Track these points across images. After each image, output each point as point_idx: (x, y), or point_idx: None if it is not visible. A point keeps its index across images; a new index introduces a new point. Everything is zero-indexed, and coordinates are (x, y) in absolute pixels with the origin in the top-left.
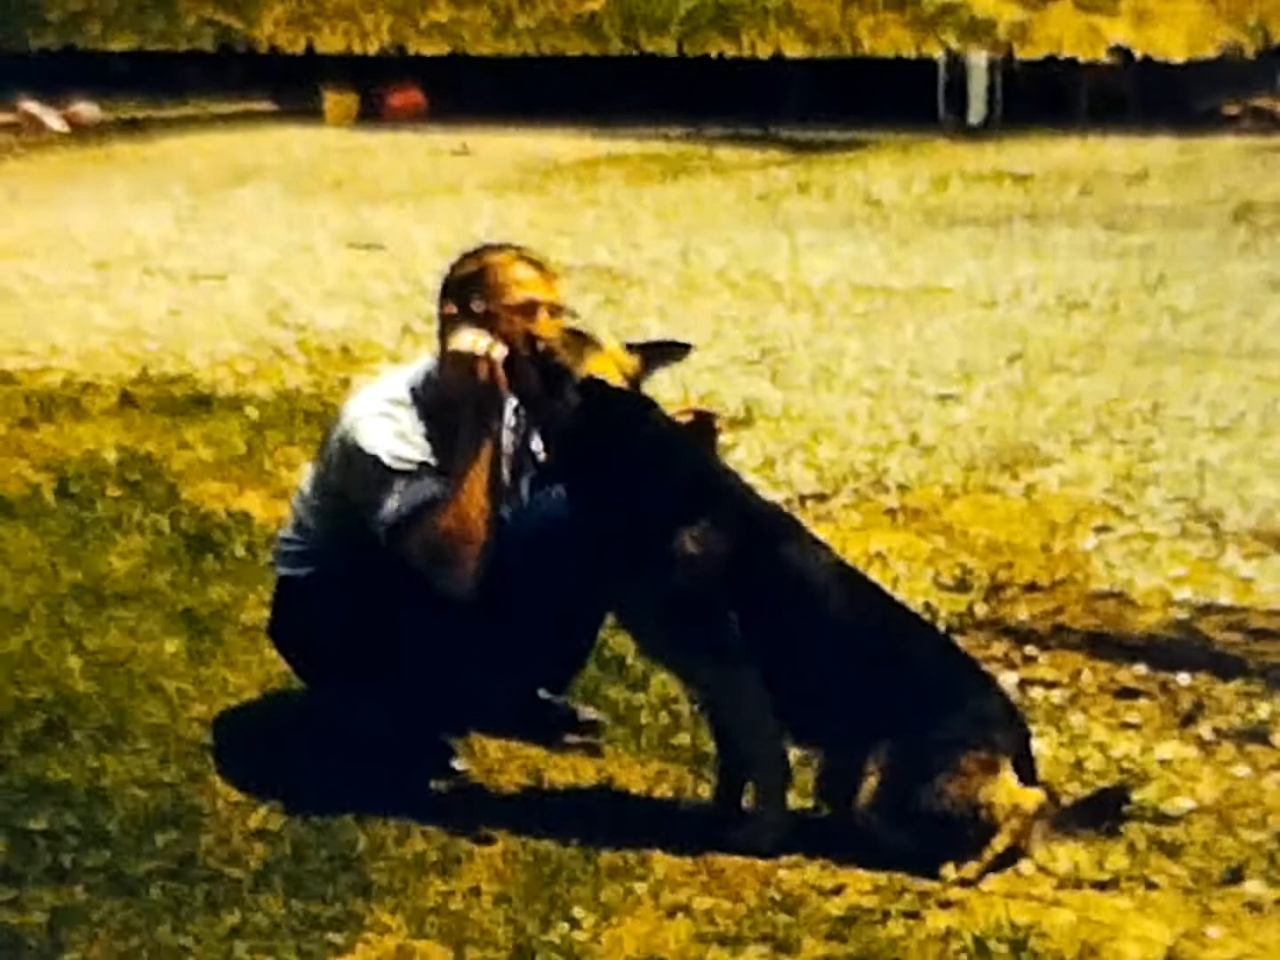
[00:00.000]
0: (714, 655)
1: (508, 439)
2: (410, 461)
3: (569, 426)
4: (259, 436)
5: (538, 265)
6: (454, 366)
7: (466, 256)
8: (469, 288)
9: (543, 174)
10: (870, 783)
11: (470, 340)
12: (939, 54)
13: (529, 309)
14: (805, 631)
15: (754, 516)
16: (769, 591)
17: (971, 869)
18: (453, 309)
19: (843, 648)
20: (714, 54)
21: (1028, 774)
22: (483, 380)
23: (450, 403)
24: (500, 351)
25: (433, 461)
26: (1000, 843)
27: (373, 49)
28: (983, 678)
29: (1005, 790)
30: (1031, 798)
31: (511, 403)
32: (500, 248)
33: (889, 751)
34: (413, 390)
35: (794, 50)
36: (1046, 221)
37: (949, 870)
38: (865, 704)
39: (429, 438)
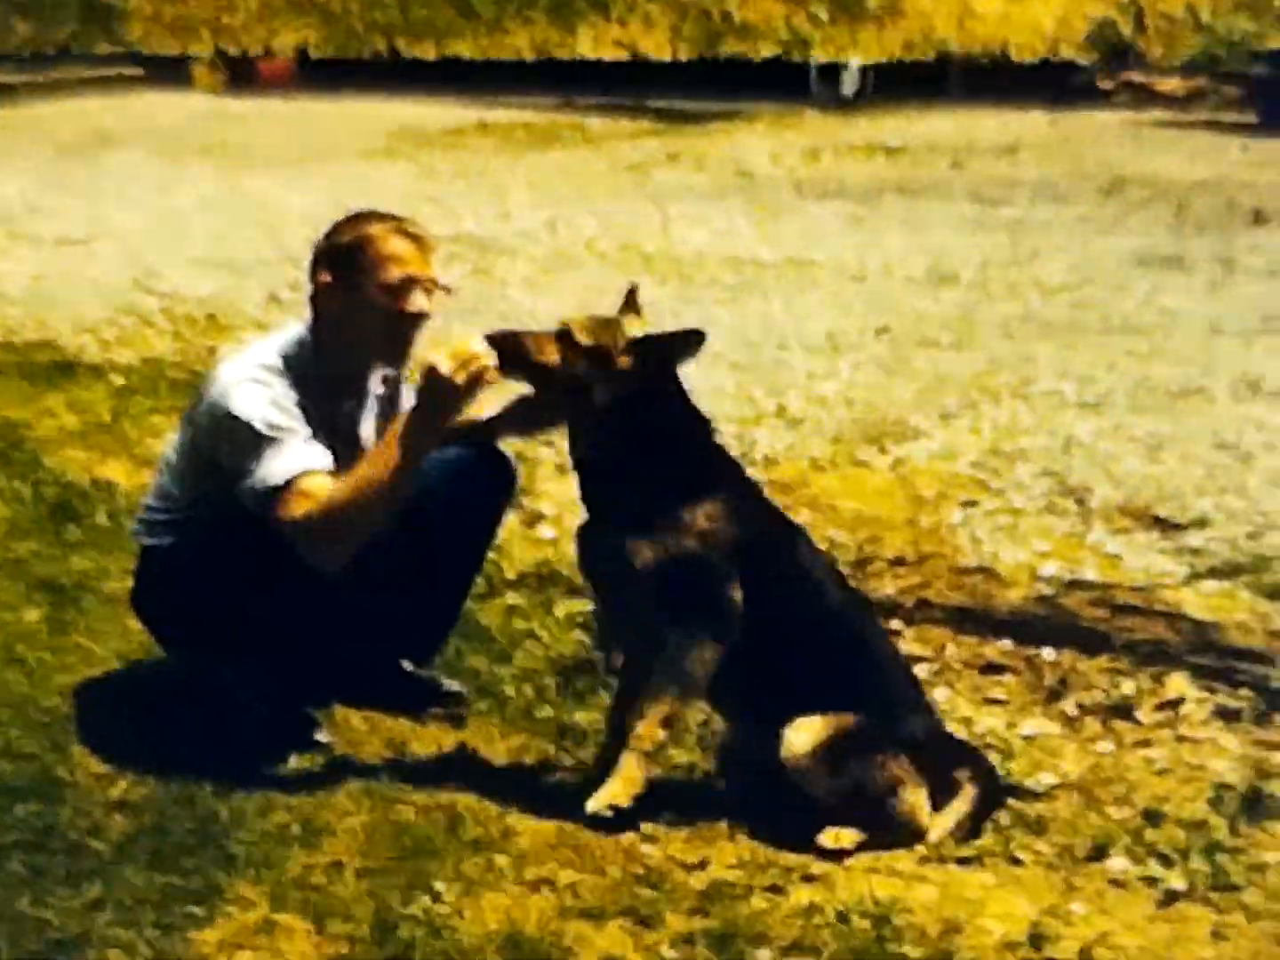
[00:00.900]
0: (704, 622)
1: (376, 407)
2: (283, 429)
3: (606, 402)
4: (124, 404)
5: (416, 238)
6: (432, 375)
7: (344, 224)
8: (345, 258)
9: (413, 142)
10: (815, 737)
11: (464, 353)
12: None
13: (405, 286)
14: (799, 619)
15: (766, 510)
16: (772, 576)
17: (848, 838)
18: (327, 277)
19: (828, 639)
20: (583, 29)
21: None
22: (463, 383)
23: (330, 373)
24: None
25: (306, 430)
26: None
27: (238, 20)
28: (929, 706)
29: (921, 806)
30: (934, 828)
31: (379, 372)
32: (379, 217)
33: (847, 723)
34: (285, 358)
35: (662, 25)
36: (917, 195)
37: (827, 837)
38: (828, 690)
39: (301, 405)
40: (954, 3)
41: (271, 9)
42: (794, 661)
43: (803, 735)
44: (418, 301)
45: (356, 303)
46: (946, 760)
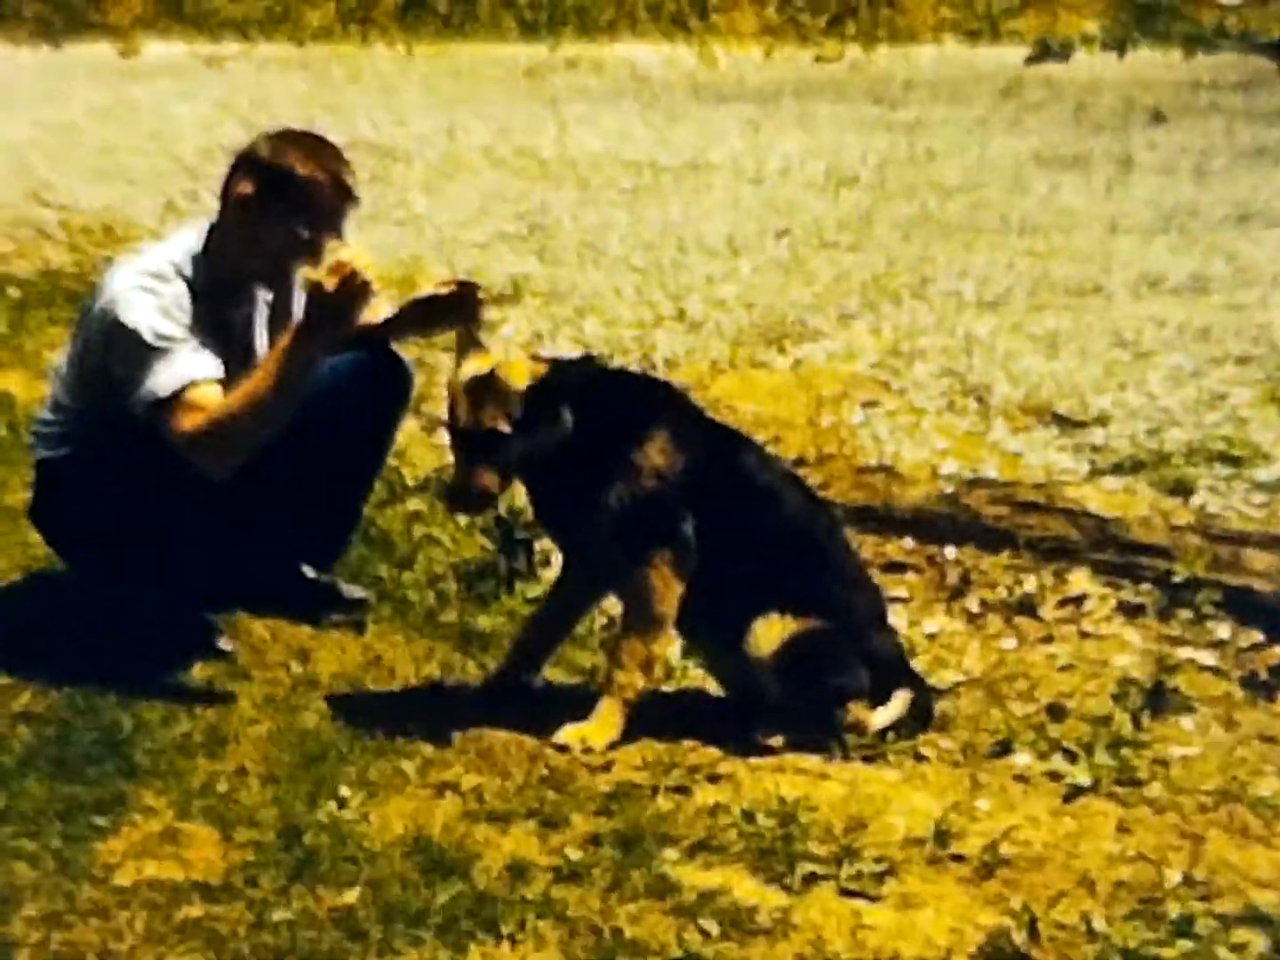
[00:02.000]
0: (666, 557)
1: (267, 316)
2: (172, 339)
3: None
4: (20, 317)
5: (346, 193)
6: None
7: (283, 142)
8: (273, 183)
9: (307, 46)
10: (780, 635)
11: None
12: None
13: (315, 244)
14: (755, 532)
15: (710, 429)
16: (724, 492)
17: (777, 739)
18: (248, 189)
19: (787, 549)
20: None
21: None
22: (347, 298)
23: (223, 281)
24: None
25: (194, 340)
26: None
27: None
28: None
29: (865, 722)
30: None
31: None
32: (319, 154)
33: (814, 628)
34: (174, 265)
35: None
36: (815, 97)
37: (760, 736)
38: (790, 601)
39: (191, 313)
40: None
41: None
42: (754, 576)
43: (769, 632)
44: (319, 260)
45: (265, 229)
46: (894, 682)
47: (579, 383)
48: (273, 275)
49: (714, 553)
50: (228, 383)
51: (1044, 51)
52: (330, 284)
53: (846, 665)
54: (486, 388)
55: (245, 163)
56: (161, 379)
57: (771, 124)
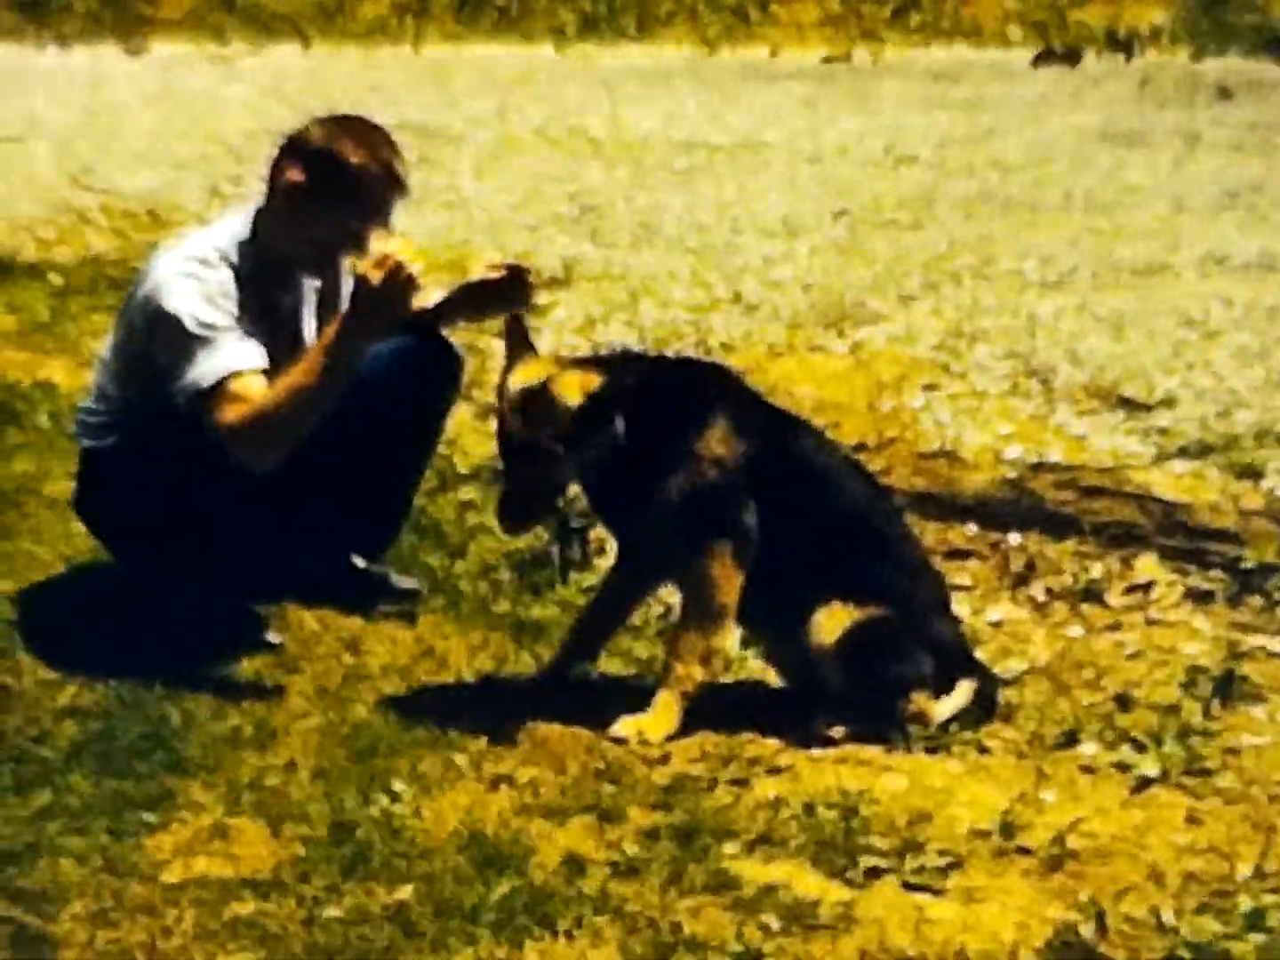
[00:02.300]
0: (727, 547)
1: (315, 301)
2: (215, 327)
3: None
4: (63, 304)
5: (398, 184)
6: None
7: (336, 128)
8: (323, 171)
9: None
10: (842, 624)
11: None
12: None
13: (363, 236)
14: (814, 518)
15: (769, 413)
16: (783, 479)
17: (839, 730)
18: (298, 177)
19: (848, 536)
20: None
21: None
22: (394, 291)
23: (269, 267)
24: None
25: (238, 329)
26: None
27: None
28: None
29: (929, 713)
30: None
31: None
32: (373, 143)
33: (877, 616)
34: (220, 251)
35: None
36: (872, 74)
37: (821, 726)
38: (851, 588)
39: (237, 300)
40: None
41: None
42: (815, 563)
43: (831, 621)
44: (368, 250)
45: (314, 218)
46: (958, 671)
47: (634, 384)
48: (320, 264)
49: (774, 540)
50: (273, 372)
51: (1050, 53)
52: (376, 277)
53: (909, 654)
54: (538, 402)
55: (295, 148)
56: (204, 368)
57: (828, 101)
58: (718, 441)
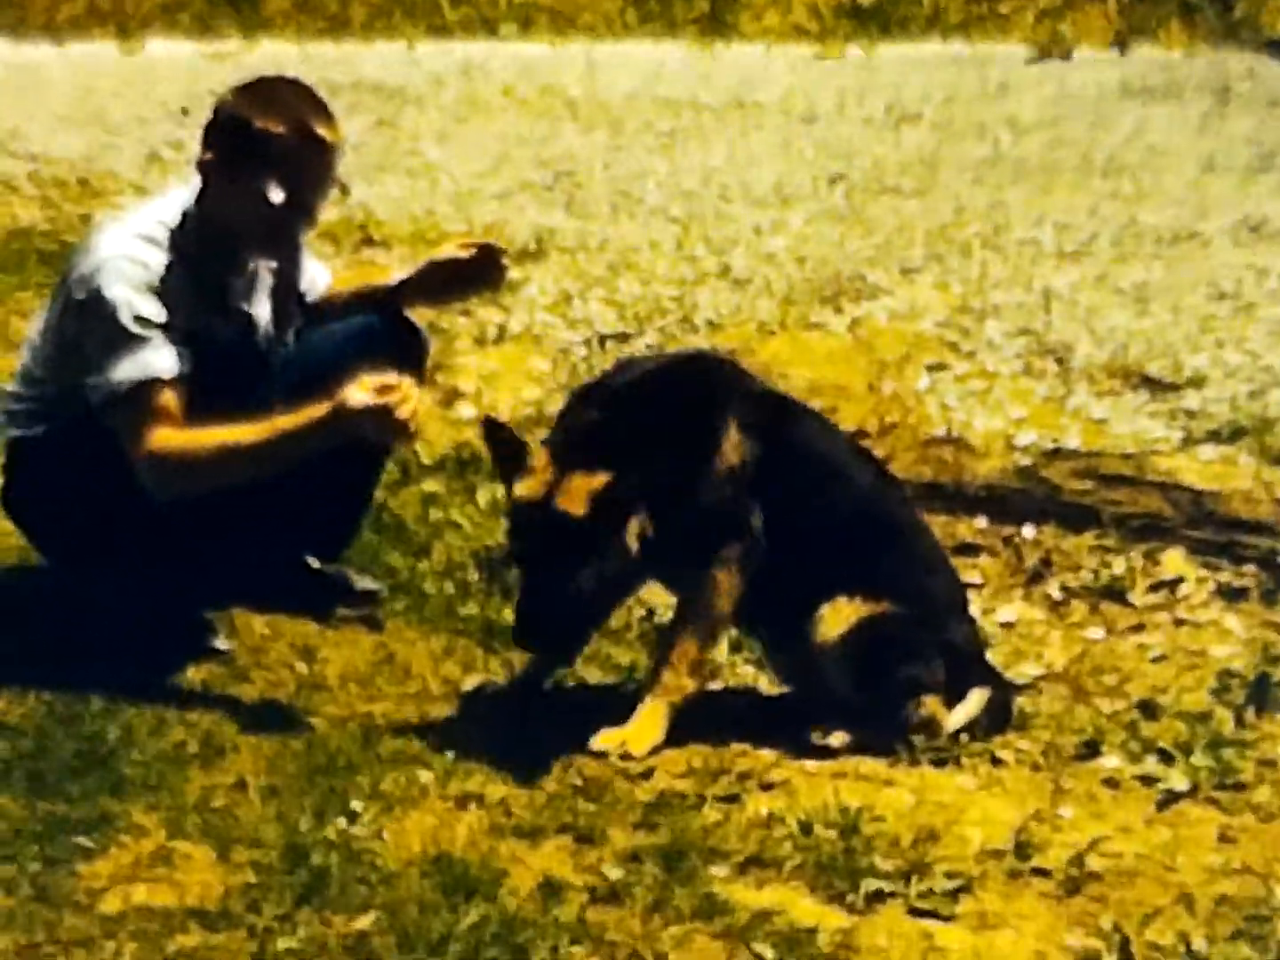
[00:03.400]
0: (732, 554)
1: (269, 284)
2: (149, 323)
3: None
4: None
5: (318, 141)
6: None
7: (242, 95)
8: (231, 142)
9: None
10: (848, 620)
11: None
12: None
13: (290, 202)
14: (820, 510)
15: (770, 403)
16: (788, 473)
17: (839, 738)
18: (209, 155)
19: (856, 529)
20: None
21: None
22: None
23: (214, 246)
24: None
25: (170, 327)
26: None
27: None
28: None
29: (939, 719)
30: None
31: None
32: (280, 100)
33: (886, 612)
34: (166, 226)
35: None
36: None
37: (816, 733)
38: (860, 586)
39: (185, 281)
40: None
41: None
42: (820, 556)
43: (836, 617)
44: (313, 222)
45: (235, 193)
46: (971, 677)
47: (637, 439)
48: (269, 242)
49: (776, 534)
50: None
51: (1046, 51)
52: (357, 401)
53: (922, 655)
54: (543, 517)
55: (210, 122)
56: (125, 368)
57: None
58: (731, 449)
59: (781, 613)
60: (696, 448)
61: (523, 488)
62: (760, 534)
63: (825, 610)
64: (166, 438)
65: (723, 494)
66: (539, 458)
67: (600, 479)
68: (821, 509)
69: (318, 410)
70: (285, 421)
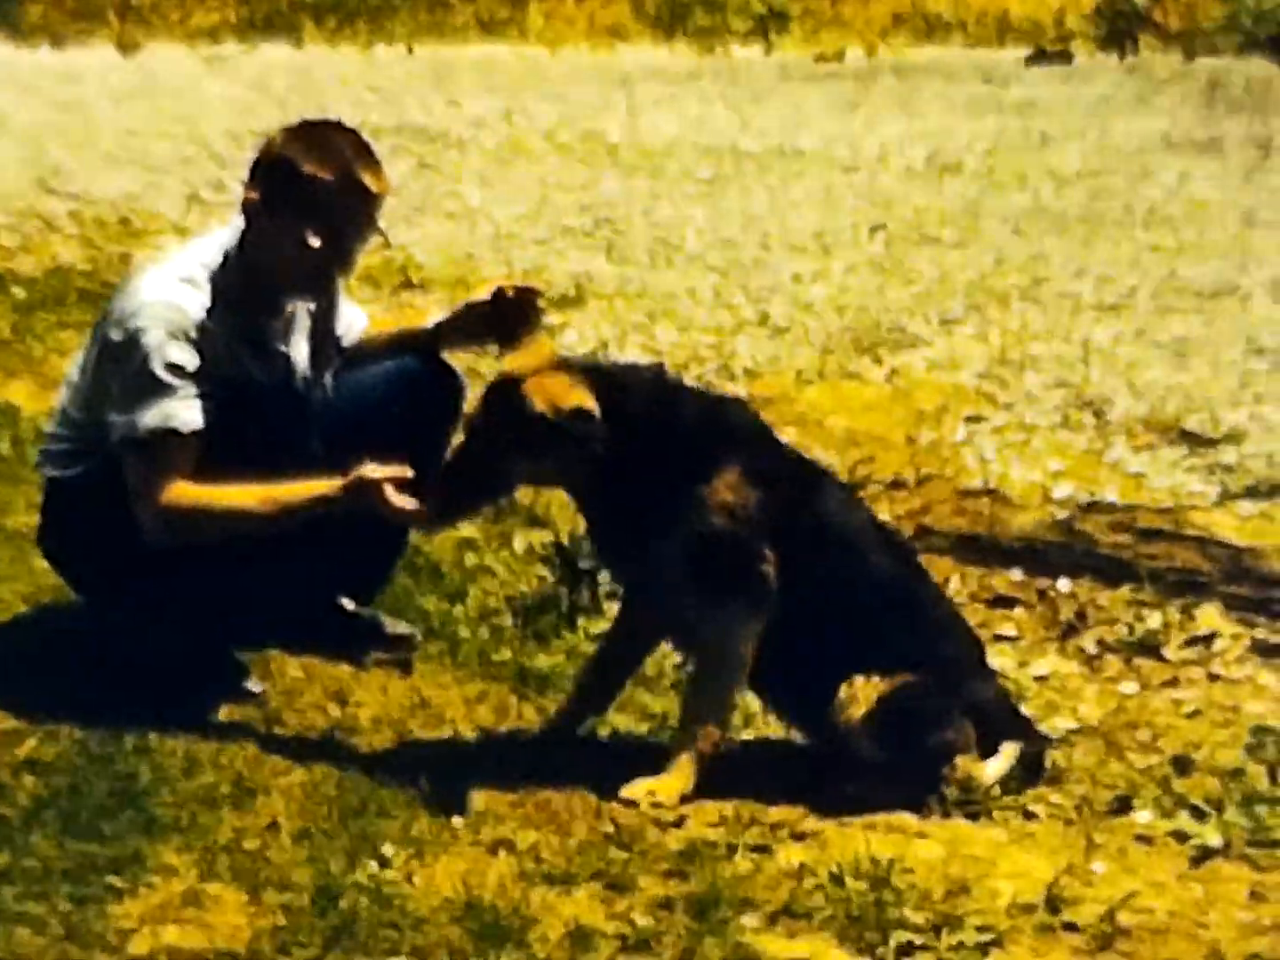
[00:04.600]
0: (741, 598)
1: (307, 327)
2: (180, 371)
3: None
4: (26, 319)
5: (362, 190)
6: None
7: (289, 136)
8: (276, 184)
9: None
10: (870, 697)
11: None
12: None
13: (331, 244)
14: (838, 577)
15: (790, 464)
16: (803, 533)
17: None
18: (254, 195)
19: (873, 596)
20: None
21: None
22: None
23: (255, 288)
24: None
25: (200, 378)
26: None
27: None
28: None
29: (977, 777)
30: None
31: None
32: (328, 144)
33: (907, 684)
34: (207, 268)
35: None
36: (917, 74)
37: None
38: (877, 653)
39: (225, 324)
40: None
41: None
42: (837, 633)
43: (858, 695)
44: (350, 268)
45: (277, 237)
46: (1002, 730)
47: (638, 411)
48: (302, 285)
49: (791, 609)
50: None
51: (1042, 53)
52: (370, 478)
53: (949, 719)
54: (504, 399)
55: (256, 163)
56: (148, 415)
57: (868, 105)
58: (727, 487)
59: (800, 689)
60: (689, 467)
61: (509, 362)
62: (769, 577)
63: (845, 691)
64: (178, 492)
65: (716, 529)
66: (542, 344)
67: (579, 395)
68: (834, 580)
69: (329, 487)
70: (294, 495)
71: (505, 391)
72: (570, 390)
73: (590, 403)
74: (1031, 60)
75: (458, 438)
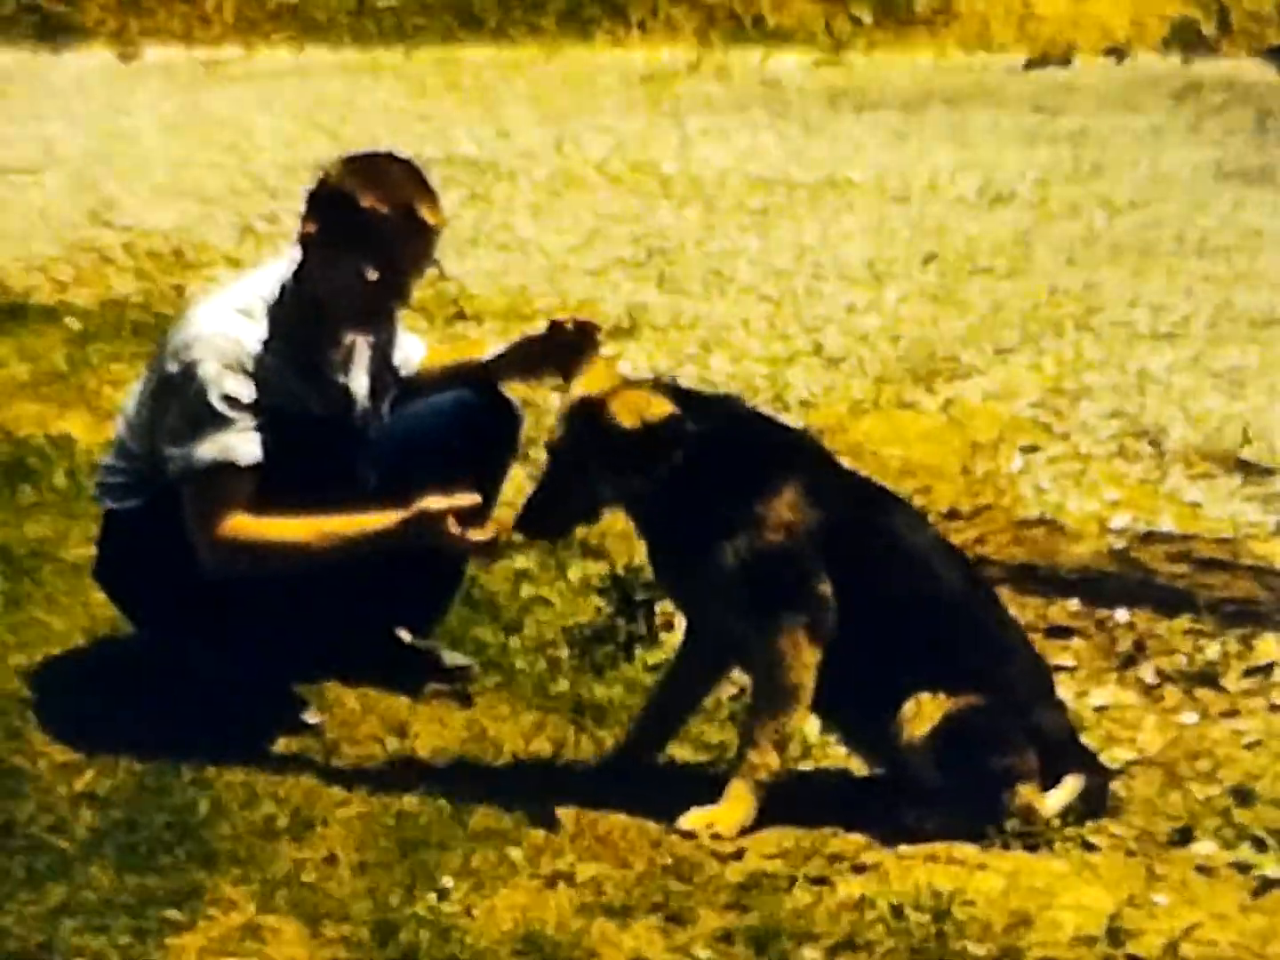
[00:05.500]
0: (801, 622)
1: (366, 356)
2: (237, 404)
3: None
4: (81, 351)
5: (419, 223)
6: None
7: (348, 168)
8: (333, 217)
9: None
10: (934, 717)
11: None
12: None
13: (388, 279)
14: (903, 600)
15: (853, 486)
16: (868, 555)
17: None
18: (311, 228)
19: (939, 621)
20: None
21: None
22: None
23: (311, 320)
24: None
25: (262, 399)
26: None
27: None
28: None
29: (1039, 806)
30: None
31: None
32: (387, 178)
33: (972, 705)
34: (264, 300)
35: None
36: (967, 104)
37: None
38: (942, 679)
39: (282, 355)
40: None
41: None
42: (903, 651)
43: (921, 714)
44: (407, 300)
45: (334, 270)
46: (1065, 762)
47: (706, 430)
48: (364, 317)
49: (857, 626)
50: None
51: (1042, 59)
52: (438, 506)
53: (1012, 744)
54: (590, 418)
55: (312, 195)
56: (205, 447)
57: (919, 135)
58: (786, 506)
59: (864, 706)
60: (749, 486)
61: (581, 385)
62: (829, 601)
63: (909, 707)
64: (237, 525)
65: (774, 548)
66: (606, 366)
67: (662, 406)
68: (901, 598)
69: (389, 520)
70: (354, 528)
71: (589, 411)
72: (652, 402)
73: (676, 409)
74: (1030, 64)
75: (529, 466)
